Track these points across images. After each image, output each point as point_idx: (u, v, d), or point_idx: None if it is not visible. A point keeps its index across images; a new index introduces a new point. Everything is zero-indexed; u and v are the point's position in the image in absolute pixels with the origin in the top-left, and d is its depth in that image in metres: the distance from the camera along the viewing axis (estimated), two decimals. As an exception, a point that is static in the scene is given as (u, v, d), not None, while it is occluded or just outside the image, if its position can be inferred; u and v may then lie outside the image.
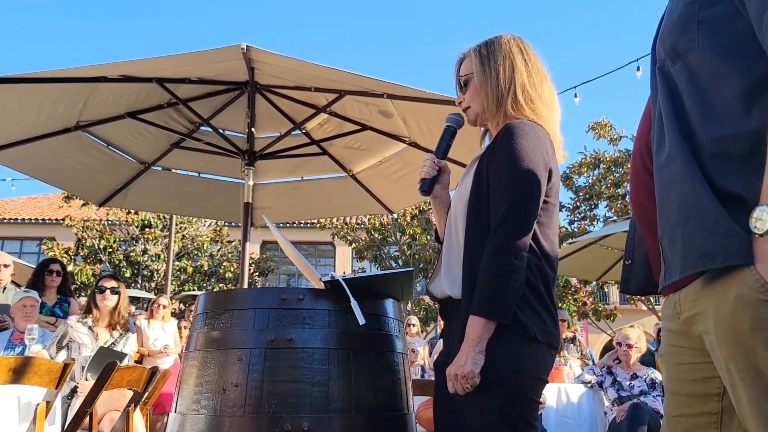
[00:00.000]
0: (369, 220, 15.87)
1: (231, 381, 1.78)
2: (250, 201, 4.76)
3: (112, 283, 4.37)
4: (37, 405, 3.09)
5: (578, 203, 16.57)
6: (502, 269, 1.65)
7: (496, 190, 1.72)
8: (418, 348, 7.34)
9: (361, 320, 1.74)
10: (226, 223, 18.03)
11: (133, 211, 15.15)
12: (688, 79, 1.27)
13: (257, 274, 16.89)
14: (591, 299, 16.27)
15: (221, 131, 4.91)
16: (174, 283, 14.87)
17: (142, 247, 15.05)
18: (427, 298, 17.17)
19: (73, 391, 4.04)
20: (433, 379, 5.06)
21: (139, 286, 14.82)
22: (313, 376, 1.77)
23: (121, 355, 4.07)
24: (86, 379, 3.98)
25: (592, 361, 7.37)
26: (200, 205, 5.95)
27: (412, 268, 1.92)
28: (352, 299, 1.75)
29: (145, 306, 10.38)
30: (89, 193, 5.52)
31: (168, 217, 14.07)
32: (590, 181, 16.44)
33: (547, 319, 1.72)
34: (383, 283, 1.93)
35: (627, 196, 15.70)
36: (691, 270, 1.20)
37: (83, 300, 7.34)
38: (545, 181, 1.74)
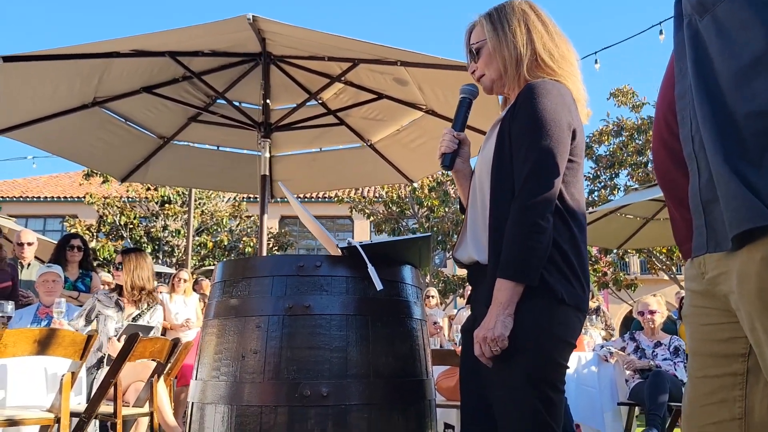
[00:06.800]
0: (387, 192, 15.82)
1: (250, 348, 1.78)
2: (268, 173, 4.75)
3: (119, 258, 4.43)
4: (63, 376, 3.15)
5: (599, 172, 16.36)
6: (528, 231, 1.62)
7: (519, 151, 1.69)
8: (438, 319, 7.35)
9: (379, 286, 1.73)
10: (245, 198, 18.13)
11: (152, 187, 15.24)
12: (717, 33, 1.22)
13: (276, 248, 16.99)
14: (611, 269, 16.18)
15: (237, 104, 4.89)
16: (194, 258, 15.00)
17: (162, 223, 15.18)
18: (446, 270, 17.19)
19: (99, 362, 4.11)
20: (452, 348, 5.07)
21: (160, 261, 14.99)
22: (332, 342, 1.77)
23: (147, 329, 4.13)
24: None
25: None
26: (220, 178, 5.96)
27: (430, 234, 1.90)
28: (369, 265, 1.74)
29: (166, 281, 10.50)
30: (110, 169, 5.55)
31: (187, 192, 14.16)
32: (611, 149, 16.21)
33: (574, 281, 1.69)
34: (401, 248, 1.92)
35: (649, 164, 15.47)
36: (739, 229, 1.15)
37: (104, 274, 7.45)
38: (569, 140, 1.70)
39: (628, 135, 15.91)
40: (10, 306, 3.81)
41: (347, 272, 1.85)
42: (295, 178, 5.89)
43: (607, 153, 16.33)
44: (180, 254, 15.04)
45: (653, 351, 5.25)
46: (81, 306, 4.75)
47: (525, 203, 1.64)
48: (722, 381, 1.34)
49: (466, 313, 1.94)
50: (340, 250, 1.82)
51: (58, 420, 3.11)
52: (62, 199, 23.46)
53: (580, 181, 1.79)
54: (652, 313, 5.39)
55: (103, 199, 15.30)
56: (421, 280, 1.98)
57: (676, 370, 5.07)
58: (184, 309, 6.81)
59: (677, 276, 15.50)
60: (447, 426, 5.80)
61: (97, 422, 4.21)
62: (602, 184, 16.30)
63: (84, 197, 15.65)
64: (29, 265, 5.66)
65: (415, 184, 14.87)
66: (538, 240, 1.62)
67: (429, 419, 1.91)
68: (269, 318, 1.79)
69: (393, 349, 1.85)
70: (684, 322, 1.47)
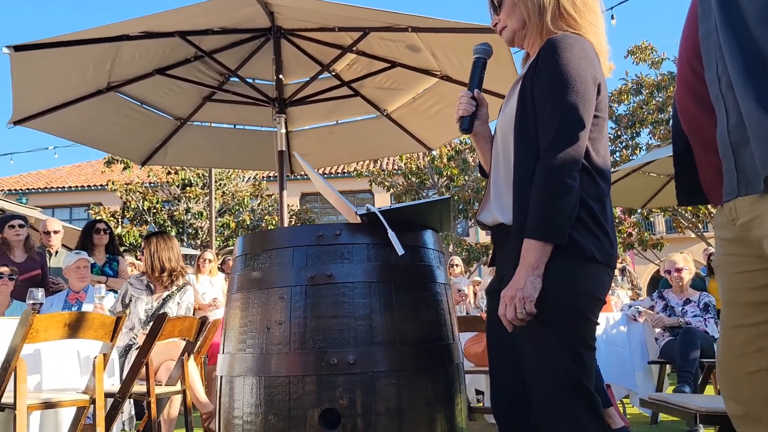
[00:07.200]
0: (405, 164, 15.75)
1: (275, 319, 1.78)
2: (284, 149, 4.74)
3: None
4: (95, 357, 3.20)
5: (619, 132, 16.09)
6: (555, 190, 1.59)
7: (544, 109, 1.65)
8: (463, 287, 7.34)
9: (400, 251, 1.71)
10: (265, 177, 18.19)
11: (172, 171, 15.35)
12: None
13: (298, 225, 17.07)
14: (636, 230, 15.99)
15: (250, 81, 4.86)
16: (218, 239, 15.14)
17: (185, 206, 15.31)
18: (468, 239, 17.14)
19: (129, 345, 4.17)
20: (478, 315, 5.06)
21: (185, 244, 15.15)
22: (356, 310, 1.76)
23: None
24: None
25: None
26: (239, 156, 5.96)
27: (449, 196, 1.87)
28: (389, 230, 1.72)
29: (191, 262, 10.63)
30: (130, 153, 5.57)
31: (207, 174, 14.24)
32: (631, 108, 15.90)
33: (602, 238, 1.66)
34: (420, 212, 1.89)
35: (671, 122, 15.17)
36: None
37: (130, 258, 7.54)
38: (595, 95, 1.66)
39: (648, 92, 15.58)
40: (40, 293, 3.88)
41: (368, 239, 1.83)
42: (313, 152, 5.87)
43: (627, 112, 16.03)
44: (204, 236, 15.19)
45: (683, 308, 5.19)
46: (109, 291, 4.82)
47: (551, 162, 1.60)
48: (758, 329, 1.31)
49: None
50: (359, 218, 1.80)
51: (93, 401, 3.17)
52: (86, 188, 23.76)
53: (605, 136, 1.75)
54: (679, 270, 5.32)
55: (126, 186, 15.45)
56: (443, 245, 1.95)
57: (707, 326, 5.00)
58: (210, 289, 6.87)
59: (704, 233, 15.28)
60: (477, 392, 5.82)
61: (132, 402, 4.29)
62: (623, 144, 16.04)
63: (107, 185, 15.81)
64: (57, 252, 5.74)
65: (434, 153, 14.80)
66: (566, 199, 1.59)
67: (458, 383, 1.90)
68: (292, 289, 1.78)
69: (418, 314, 1.83)
70: (716, 272, 1.43)
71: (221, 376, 1.91)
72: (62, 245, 6.02)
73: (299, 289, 1.78)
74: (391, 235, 1.71)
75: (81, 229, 6.23)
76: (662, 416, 5.21)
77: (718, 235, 1.40)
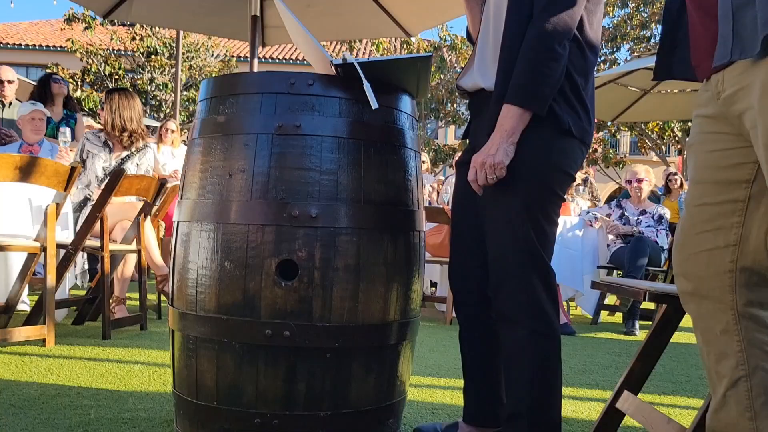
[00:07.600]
0: (382, 56, 15.35)
1: (237, 167, 1.72)
2: (258, 14, 4.50)
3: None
4: (47, 206, 3.11)
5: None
6: (543, 57, 1.53)
7: None
8: (427, 183, 7.36)
9: (374, 104, 1.64)
10: (236, 57, 17.52)
11: (137, 37, 14.61)
12: None
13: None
14: (601, 146, 16.16)
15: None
16: (183, 113, 14.72)
17: (149, 75, 14.71)
18: (437, 141, 17.07)
19: (85, 200, 4.08)
20: (439, 206, 5.07)
21: (147, 115, 14.71)
22: (322, 164, 1.71)
23: None
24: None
25: None
26: (209, 20, 5.58)
27: (431, 53, 1.78)
28: (364, 81, 1.64)
29: (153, 133, 10.35)
30: (91, 2, 5.21)
31: (174, 44, 13.61)
32: (615, 21, 15.60)
33: (582, 113, 1.64)
34: (399, 68, 1.81)
35: (652, 39, 14.99)
36: None
37: (89, 120, 7.28)
38: None
39: (635, 6, 15.26)
40: (-10, 140, 3.72)
41: (341, 93, 1.75)
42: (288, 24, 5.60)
43: (610, 26, 15.75)
44: (168, 109, 14.74)
45: (638, 218, 5.32)
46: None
47: (544, 27, 1.53)
48: (721, 208, 1.32)
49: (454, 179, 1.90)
50: (334, 69, 1.72)
51: (44, 249, 3.11)
52: (44, 47, 22.58)
53: (600, 10, 1.68)
54: (639, 181, 5.41)
55: (87, 47, 14.69)
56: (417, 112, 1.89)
57: (657, 237, 5.16)
58: (171, 161, 6.71)
59: (666, 157, 15.53)
60: (432, 284, 5.97)
61: (86, 257, 4.25)
62: (602, 58, 15.87)
63: (66, 46, 15.02)
64: (11, 104, 5.49)
65: (413, 41, 14.37)
66: (553, 67, 1.54)
67: (418, 249, 1.90)
68: (258, 137, 1.71)
69: (386, 176, 1.79)
70: (687, 153, 1.41)
71: (177, 222, 1.86)
72: (16, 98, 5.75)
73: (265, 138, 1.71)
74: (367, 87, 1.63)
75: (36, 83, 5.94)
76: (602, 318, 5.45)
77: (697, 113, 1.38)
